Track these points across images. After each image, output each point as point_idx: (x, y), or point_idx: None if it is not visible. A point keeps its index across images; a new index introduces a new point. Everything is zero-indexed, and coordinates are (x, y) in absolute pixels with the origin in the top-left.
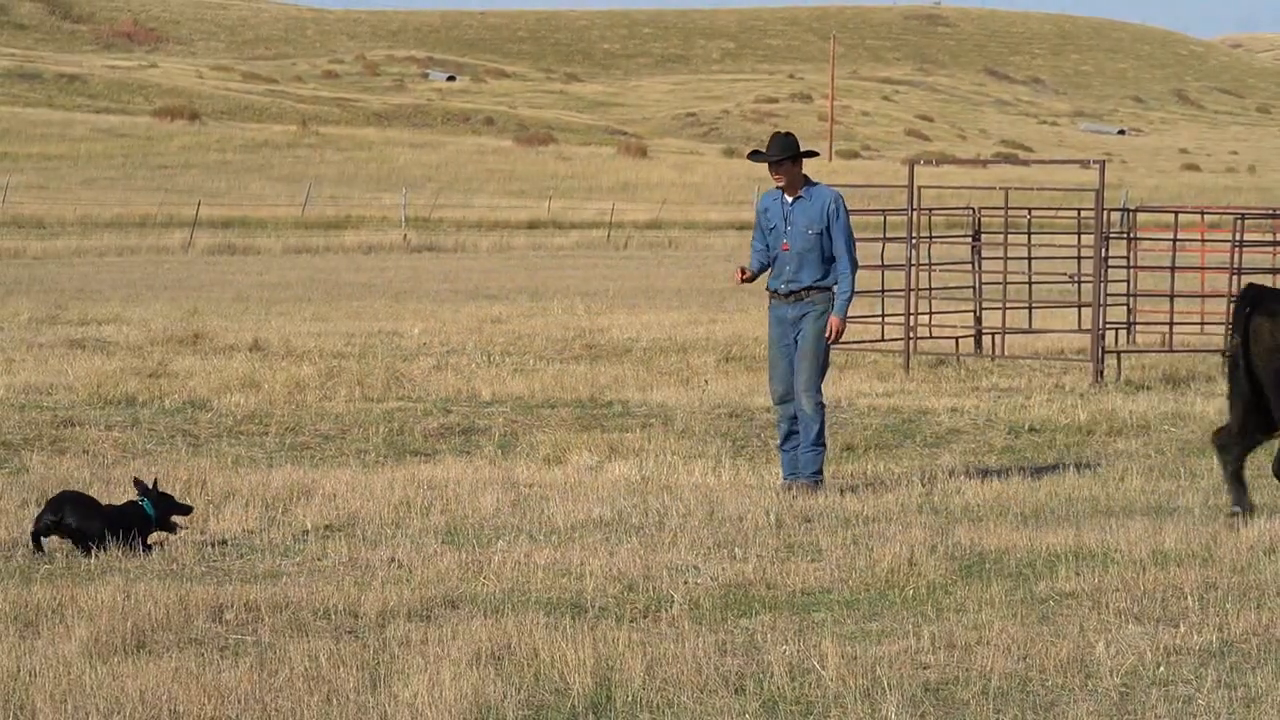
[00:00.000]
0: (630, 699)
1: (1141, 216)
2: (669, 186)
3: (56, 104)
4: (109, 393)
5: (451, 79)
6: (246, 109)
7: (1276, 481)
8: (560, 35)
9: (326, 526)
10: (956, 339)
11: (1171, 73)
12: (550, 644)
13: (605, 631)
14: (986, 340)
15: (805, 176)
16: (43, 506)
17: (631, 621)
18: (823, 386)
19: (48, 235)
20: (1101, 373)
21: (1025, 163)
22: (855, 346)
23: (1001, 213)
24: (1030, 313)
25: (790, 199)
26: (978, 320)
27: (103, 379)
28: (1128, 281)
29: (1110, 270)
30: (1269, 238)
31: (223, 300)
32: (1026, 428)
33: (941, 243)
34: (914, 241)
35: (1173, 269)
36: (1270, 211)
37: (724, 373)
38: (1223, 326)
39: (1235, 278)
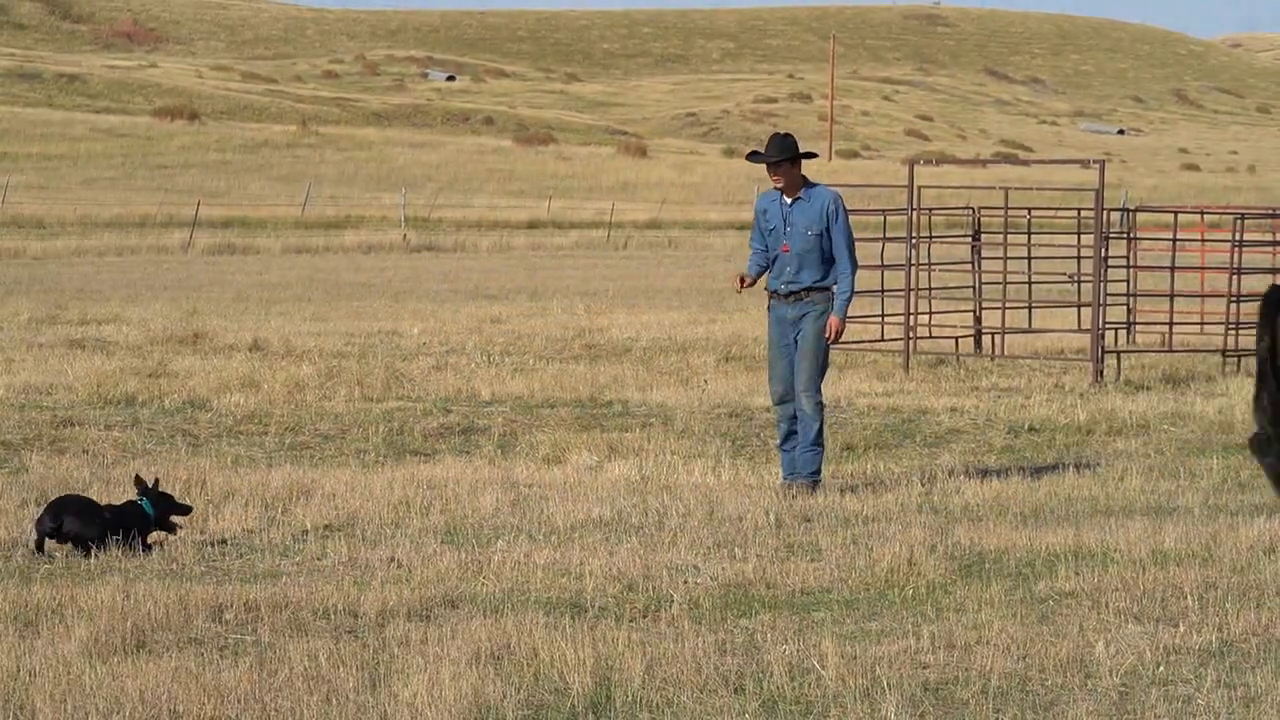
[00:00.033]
0: (630, 699)
1: (1141, 216)
2: (669, 186)
3: (56, 104)
4: (109, 393)
5: (451, 79)
6: (246, 109)
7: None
8: (560, 35)
9: (326, 526)
10: (956, 339)
11: (1171, 72)
12: (550, 644)
13: (605, 631)
14: (986, 340)
15: (804, 177)
16: (42, 510)
17: (631, 621)
18: (822, 386)
19: (47, 235)
20: (1101, 372)
21: (1025, 163)
22: (855, 346)
23: (1001, 212)
24: (1030, 312)
25: (789, 200)
26: (977, 320)
27: (102, 379)
28: (1127, 281)
29: (1110, 270)
30: (1269, 237)
31: (222, 300)
32: (1026, 427)
33: (941, 243)
34: (914, 241)
35: (1172, 269)
36: (1270, 211)
37: (724, 373)
38: (1222, 326)
39: (1235, 278)
